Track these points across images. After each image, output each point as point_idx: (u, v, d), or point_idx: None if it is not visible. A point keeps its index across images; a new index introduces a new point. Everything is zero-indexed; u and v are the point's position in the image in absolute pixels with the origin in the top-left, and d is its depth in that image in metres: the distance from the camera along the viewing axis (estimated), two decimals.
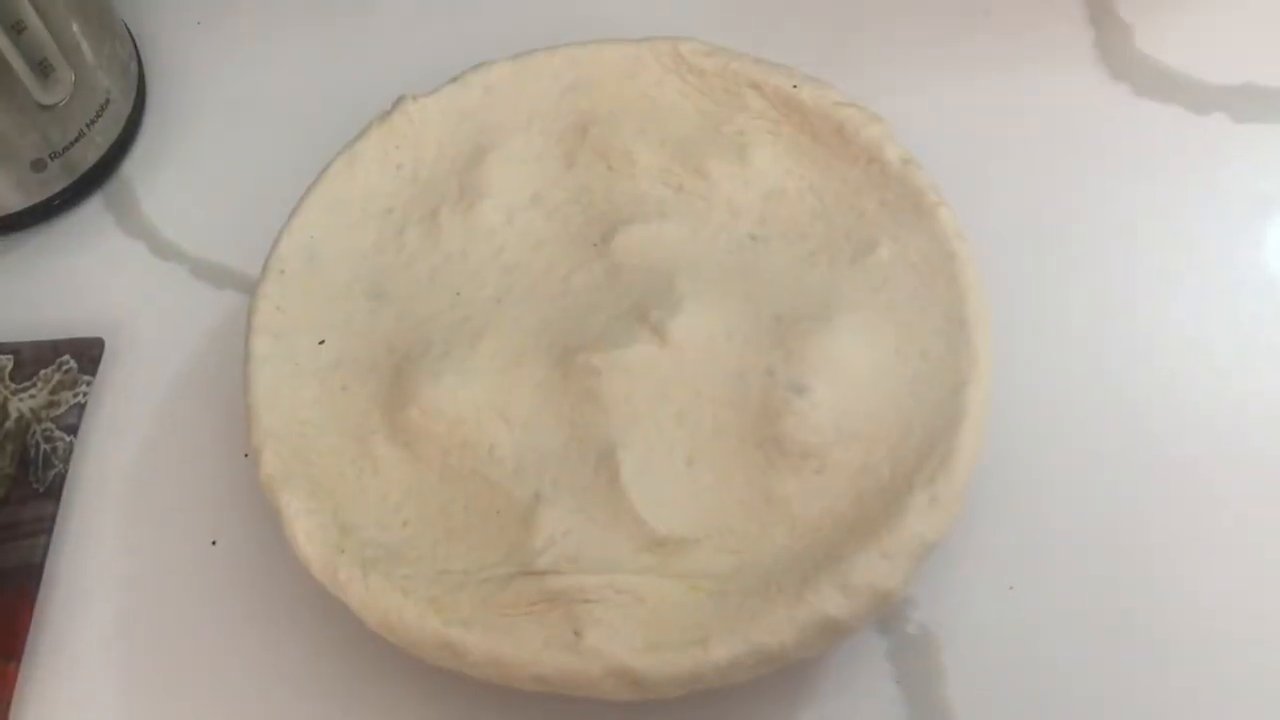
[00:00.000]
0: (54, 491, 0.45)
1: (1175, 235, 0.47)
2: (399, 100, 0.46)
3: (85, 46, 0.49)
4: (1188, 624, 0.40)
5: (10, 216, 0.51)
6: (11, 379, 0.48)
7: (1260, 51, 0.51)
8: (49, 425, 0.47)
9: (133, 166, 0.54)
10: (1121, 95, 0.51)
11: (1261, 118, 0.49)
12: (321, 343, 0.42)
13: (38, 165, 0.50)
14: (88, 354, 0.48)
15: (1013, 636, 0.40)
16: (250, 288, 0.44)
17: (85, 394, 0.47)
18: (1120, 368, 0.45)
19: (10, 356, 0.48)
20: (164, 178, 0.54)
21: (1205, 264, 0.47)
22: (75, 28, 0.49)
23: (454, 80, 0.47)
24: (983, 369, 0.39)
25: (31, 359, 0.48)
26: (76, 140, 0.50)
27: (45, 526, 0.44)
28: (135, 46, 0.55)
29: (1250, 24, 0.52)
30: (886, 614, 0.41)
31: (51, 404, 0.47)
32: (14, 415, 0.47)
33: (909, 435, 0.38)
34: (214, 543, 0.44)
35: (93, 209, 0.53)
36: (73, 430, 0.47)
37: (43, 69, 0.47)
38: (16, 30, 0.45)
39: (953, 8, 0.54)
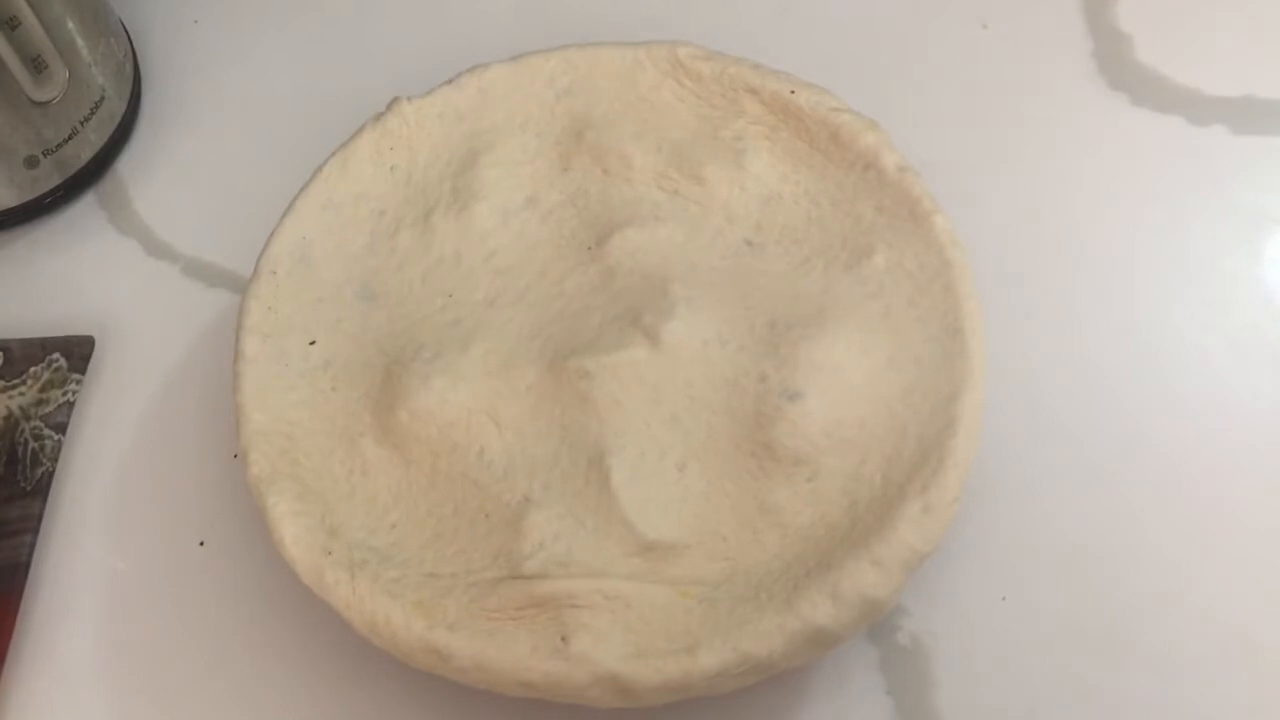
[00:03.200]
0: (41, 490, 0.45)
1: (1172, 245, 0.47)
2: (393, 101, 0.46)
3: (80, 43, 0.49)
4: (1183, 634, 0.40)
5: (2, 213, 0.51)
6: (1, 376, 0.47)
7: (1261, 63, 0.51)
8: (38, 423, 0.46)
9: (126, 165, 0.54)
10: (1120, 105, 0.50)
11: (1261, 130, 0.49)
12: (312, 343, 0.42)
13: (30, 162, 0.49)
14: (78, 352, 0.48)
15: (1005, 647, 0.40)
16: (242, 287, 0.43)
17: (75, 392, 0.47)
18: (1116, 376, 0.44)
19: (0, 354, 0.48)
20: (158, 176, 0.53)
21: (1202, 274, 0.46)
22: (70, 25, 0.48)
23: (449, 82, 0.46)
24: (977, 377, 0.39)
25: (21, 356, 0.48)
26: (70, 138, 0.50)
27: (32, 525, 0.44)
28: (131, 44, 0.55)
29: (1251, 36, 0.52)
30: (877, 623, 0.41)
31: (40, 402, 0.47)
32: (2, 413, 0.47)
33: (902, 443, 0.38)
34: (201, 543, 0.44)
35: (85, 207, 0.53)
36: (61, 428, 0.46)
37: (36, 65, 0.47)
38: (10, 26, 0.45)
39: (951, 19, 0.54)
